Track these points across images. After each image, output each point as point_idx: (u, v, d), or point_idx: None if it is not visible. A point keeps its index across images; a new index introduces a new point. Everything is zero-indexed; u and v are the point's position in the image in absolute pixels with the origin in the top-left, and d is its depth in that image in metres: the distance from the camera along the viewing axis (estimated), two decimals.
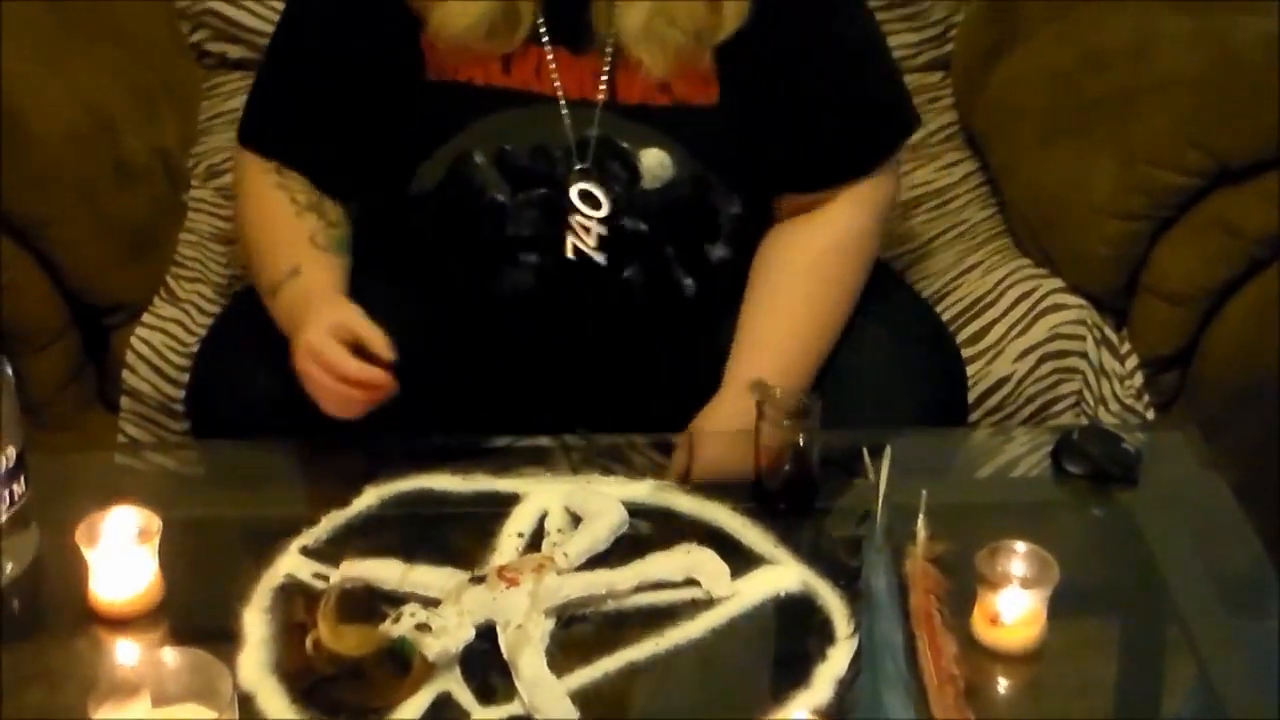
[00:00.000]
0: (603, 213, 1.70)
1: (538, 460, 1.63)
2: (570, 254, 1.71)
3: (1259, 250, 1.90)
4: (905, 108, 1.80)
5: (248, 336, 1.71)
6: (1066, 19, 2.16)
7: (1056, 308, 1.95)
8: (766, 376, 1.59)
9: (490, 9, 1.66)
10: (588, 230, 1.71)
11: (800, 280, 1.72)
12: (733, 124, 1.71)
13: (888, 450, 1.55)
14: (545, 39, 1.69)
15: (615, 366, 1.77)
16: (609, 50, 1.68)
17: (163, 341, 1.94)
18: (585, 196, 1.70)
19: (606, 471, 1.61)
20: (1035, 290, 1.97)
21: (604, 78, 1.69)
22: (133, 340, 1.94)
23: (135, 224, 1.97)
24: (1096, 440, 1.62)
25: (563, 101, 1.70)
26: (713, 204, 1.73)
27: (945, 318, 1.93)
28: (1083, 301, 1.96)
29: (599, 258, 1.71)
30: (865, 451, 1.56)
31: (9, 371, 1.45)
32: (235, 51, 2.35)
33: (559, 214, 1.71)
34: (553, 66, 1.69)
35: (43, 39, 2.00)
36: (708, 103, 1.70)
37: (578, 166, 1.70)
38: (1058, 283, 1.98)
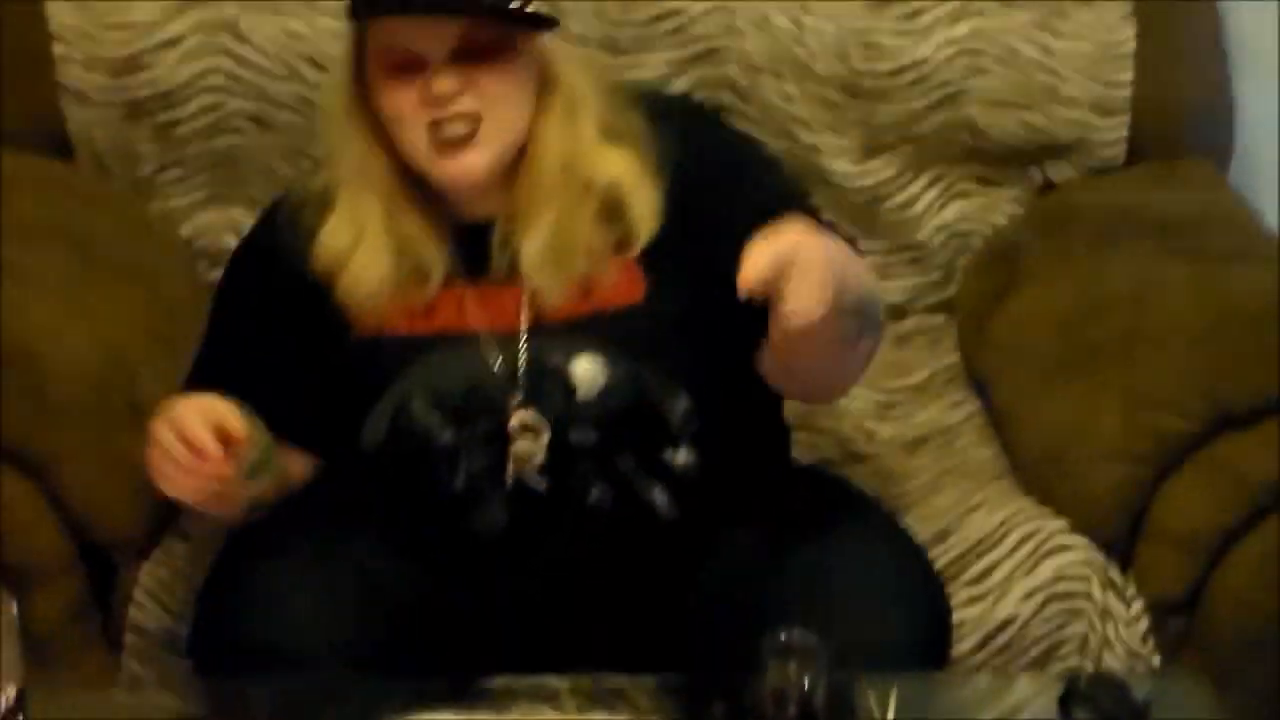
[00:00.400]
0: (543, 441, 1.71)
1: (541, 699, 1.61)
2: (509, 481, 1.72)
3: (1264, 496, 1.90)
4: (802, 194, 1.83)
5: (250, 580, 1.72)
6: (1067, 265, 2.20)
7: (1061, 549, 1.95)
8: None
9: (395, 265, 1.71)
10: (530, 458, 1.72)
11: None
12: (662, 316, 1.72)
13: (894, 693, 1.54)
14: (460, 278, 1.74)
15: (599, 597, 1.76)
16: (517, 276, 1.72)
17: (172, 579, 1.94)
18: (524, 428, 1.72)
19: (611, 712, 1.60)
20: (1039, 531, 1.97)
21: (524, 301, 1.72)
22: (141, 576, 1.95)
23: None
24: (1104, 688, 1.60)
25: (483, 338, 1.73)
26: (657, 402, 1.72)
27: (949, 557, 1.94)
28: (1087, 543, 1.96)
29: (540, 484, 1.72)
30: (871, 696, 1.55)
31: (13, 609, 1.46)
32: None
33: (502, 448, 1.72)
34: (471, 304, 1.73)
35: (62, 280, 2.05)
36: (634, 301, 1.72)
37: (515, 400, 1.72)
38: (1062, 524, 1.97)
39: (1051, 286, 2.19)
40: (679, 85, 2.33)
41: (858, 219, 2.36)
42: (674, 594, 1.75)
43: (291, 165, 2.34)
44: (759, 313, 1.60)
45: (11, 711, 1.44)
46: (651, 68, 2.33)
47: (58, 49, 2.30)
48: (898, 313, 2.40)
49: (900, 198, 2.38)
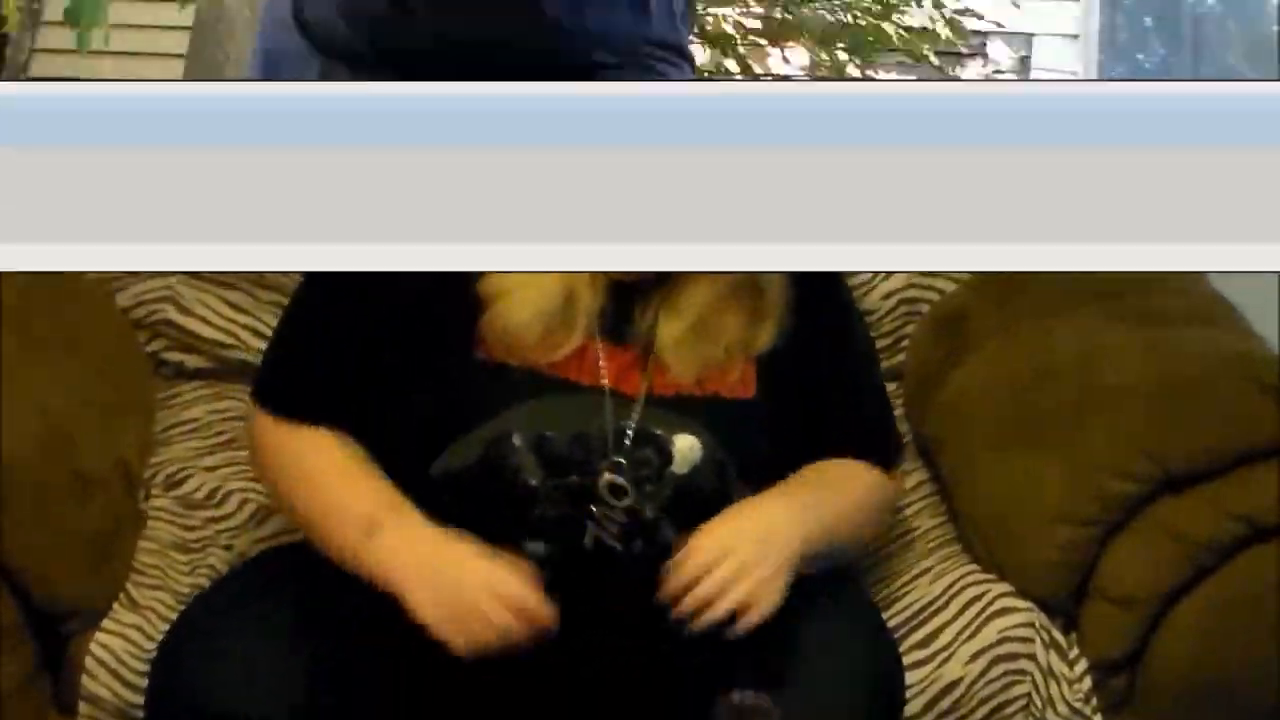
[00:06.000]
0: (627, 502, 1.71)
1: None
2: (589, 542, 1.71)
3: (1206, 556, 1.91)
4: (893, 436, 1.94)
5: (208, 642, 1.70)
6: (1014, 332, 2.22)
7: (1006, 611, 1.95)
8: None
9: (555, 307, 1.71)
10: (611, 520, 1.72)
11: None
12: (764, 417, 1.78)
13: None
14: (597, 332, 1.74)
15: (621, 647, 1.72)
16: (649, 344, 1.74)
17: (123, 647, 1.92)
18: (613, 489, 1.72)
19: None
20: (985, 594, 1.97)
21: (649, 370, 1.74)
22: (92, 646, 1.92)
23: (93, 534, 1.96)
24: None
25: (607, 393, 1.73)
26: (728, 492, 1.75)
27: (895, 622, 1.94)
28: (1031, 605, 1.96)
29: (618, 546, 1.72)
30: None
31: None
32: (192, 361, 2.37)
33: (585, 502, 1.71)
34: (600, 359, 1.73)
35: (1, 354, 2.03)
36: (744, 395, 1.77)
37: (610, 459, 1.71)
38: (1006, 587, 1.98)
39: (998, 354, 2.20)
40: None
41: None
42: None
43: None
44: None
45: None
46: None
47: None
48: None
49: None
